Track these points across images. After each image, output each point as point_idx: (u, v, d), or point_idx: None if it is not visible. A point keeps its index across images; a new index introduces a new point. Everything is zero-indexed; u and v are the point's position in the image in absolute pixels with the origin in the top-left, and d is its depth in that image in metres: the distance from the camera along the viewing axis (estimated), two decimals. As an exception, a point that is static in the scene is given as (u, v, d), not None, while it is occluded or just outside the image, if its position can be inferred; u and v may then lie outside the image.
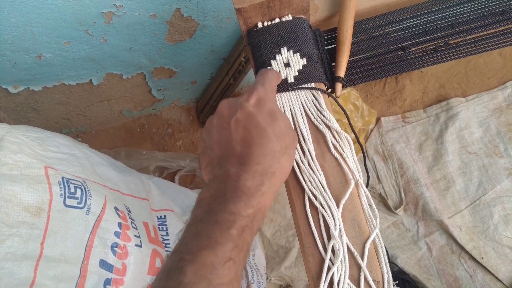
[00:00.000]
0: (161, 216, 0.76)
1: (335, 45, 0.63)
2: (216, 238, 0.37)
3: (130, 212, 0.67)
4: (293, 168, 0.54)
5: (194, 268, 0.35)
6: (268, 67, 0.60)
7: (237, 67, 1.07)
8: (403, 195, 1.14)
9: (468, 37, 0.61)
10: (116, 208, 0.65)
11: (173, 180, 1.20)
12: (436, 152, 1.17)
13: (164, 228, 0.75)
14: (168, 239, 0.74)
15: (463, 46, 0.60)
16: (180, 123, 1.29)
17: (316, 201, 0.52)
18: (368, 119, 1.20)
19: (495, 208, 1.08)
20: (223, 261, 0.36)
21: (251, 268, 0.91)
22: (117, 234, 0.60)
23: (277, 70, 0.59)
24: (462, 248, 1.06)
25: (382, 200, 1.15)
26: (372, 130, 1.23)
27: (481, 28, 0.61)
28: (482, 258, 1.05)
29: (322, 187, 0.52)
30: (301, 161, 0.54)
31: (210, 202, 0.40)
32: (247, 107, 0.46)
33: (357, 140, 0.60)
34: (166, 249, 0.72)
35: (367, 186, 0.72)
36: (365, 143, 1.22)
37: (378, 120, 1.24)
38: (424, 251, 1.08)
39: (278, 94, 0.58)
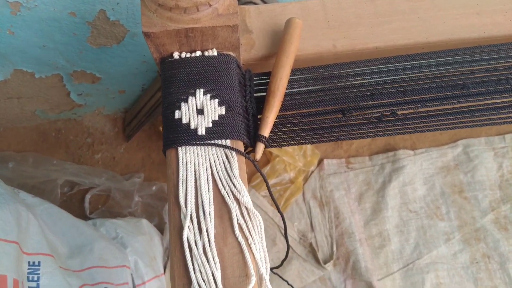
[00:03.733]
0: (34, 262, 0.62)
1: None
2: None
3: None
4: (182, 250, 0.42)
5: None
6: (176, 111, 0.47)
7: (171, 84, 0.94)
8: (334, 248, 1.05)
9: (420, 110, 0.51)
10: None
11: (83, 199, 1.04)
12: (376, 205, 1.09)
13: (35, 279, 0.61)
14: (39, 294, 0.60)
15: (413, 120, 0.51)
16: (103, 133, 1.13)
17: (202, 301, 0.40)
18: (310, 160, 1.10)
19: (428, 275, 1.02)
20: None
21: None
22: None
23: (187, 116, 0.47)
24: (388, 314, 0.99)
25: (312, 251, 1.05)
26: (312, 172, 1.14)
27: (436, 101, 0.51)
28: (408, 327, 0.97)
29: (215, 282, 0.40)
30: (195, 241, 0.42)
31: None
32: None
33: (271, 198, 0.49)
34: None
35: (285, 259, 0.62)
36: (303, 184, 1.12)
37: (320, 161, 1.15)
38: (348, 312, 1.00)
39: (183, 147, 0.46)
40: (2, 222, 0.59)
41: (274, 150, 1.06)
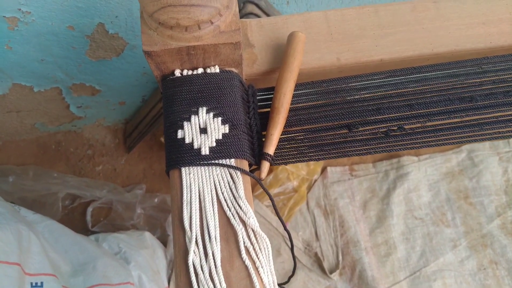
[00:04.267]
0: (36, 283, 0.61)
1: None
2: None
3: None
4: (188, 276, 0.41)
5: None
6: (179, 131, 0.46)
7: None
8: (340, 258, 1.04)
9: (428, 124, 0.50)
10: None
11: (85, 212, 1.03)
12: (381, 213, 1.08)
13: (38, 300, 0.60)
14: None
15: (421, 135, 0.50)
16: (104, 145, 1.12)
17: (211, 327, 0.39)
18: (313, 168, 1.09)
19: (435, 283, 1.00)
20: None
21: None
22: None
23: (190, 135, 0.46)
24: (395, 323, 0.97)
25: (317, 261, 1.04)
26: (316, 180, 1.13)
27: (444, 114, 0.50)
28: (416, 336, 0.96)
29: (222, 308, 0.39)
30: (201, 266, 0.41)
31: None
32: None
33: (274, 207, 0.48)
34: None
35: (292, 275, 0.61)
36: (307, 193, 1.11)
37: (323, 169, 1.13)
38: (356, 322, 0.99)
39: (186, 168, 0.45)
40: (3, 244, 0.58)
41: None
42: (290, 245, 0.55)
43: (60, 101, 0.97)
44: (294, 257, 0.55)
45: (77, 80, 0.91)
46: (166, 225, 0.98)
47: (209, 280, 0.40)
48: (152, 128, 1.02)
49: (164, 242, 0.99)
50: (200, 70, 0.49)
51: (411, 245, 1.05)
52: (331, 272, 1.02)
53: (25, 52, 0.80)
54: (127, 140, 1.12)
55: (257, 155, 0.48)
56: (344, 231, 1.06)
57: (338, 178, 1.12)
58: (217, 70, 0.49)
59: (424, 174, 1.11)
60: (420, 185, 1.10)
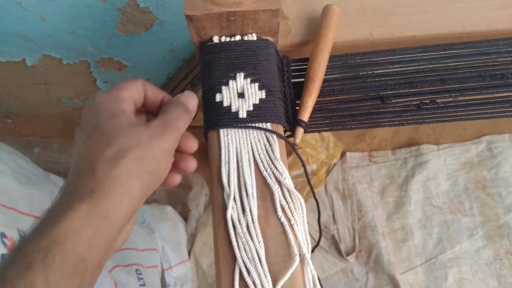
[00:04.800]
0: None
1: (303, 79, 0.52)
2: None
3: (24, 238, 0.54)
4: (226, 229, 0.42)
5: None
6: (217, 94, 0.48)
7: (197, 73, 0.94)
8: (357, 241, 1.05)
9: (460, 99, 0.51)
10: (2, 235, 0.52)
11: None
12: (399, 200, 1.09)
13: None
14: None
15: (452, 109, 0.51)
16: (127, 122, 1.14)
17: (248, 277, 0.40)
18: (333, 152, 1.10)
19: (451, 270, 1.01)
20: None
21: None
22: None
23: (228, 99, 0.47)
24: (410, 308, 0.98)
25: (334, 243, 1.05)
26: (335, 165, 1.14)
27: (476, 90, 0.51)
28: (429, 321, 0.97)
29: (259, 260, 0.41)
30: (239, 220, 0.42)
31: None
32: None
33: (308, 182, 0.49)
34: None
35: (317, 244, 0.62)
36: (326, 177, 1.12)
37: (343, 154, 1.14)
38: (370, 305, 1.00)
39: (224, 129, 0.47)
40: (39, 201, 0.60)
41: (300, 143, 1.06)
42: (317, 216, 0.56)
43: (87, 74, 0.99)
44: (319, 225, 0.56)
45: (105, 54, 0.93)
46: (188, 201, 1.00)
47: (246, 233, 0.42)
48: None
49: (184, 217, 1.01)
50: (238, 37, 0.50)
51: (428, 232, 1.05)
52: (347, 255, 1.03)
53: (57, 23, 0.81)
54: (150, 118, 1.13)
55: (291, 122, 0.50)
56: (361, 215, 1.08)
57: (357, 163, 1.13)
58: (255, 38, 0.50)
59: (443, 163, 1.12)
60: (439, 173, 1.10)
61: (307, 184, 1.07)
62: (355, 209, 1.08)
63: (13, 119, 1.16)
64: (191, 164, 0.44)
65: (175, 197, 1.04)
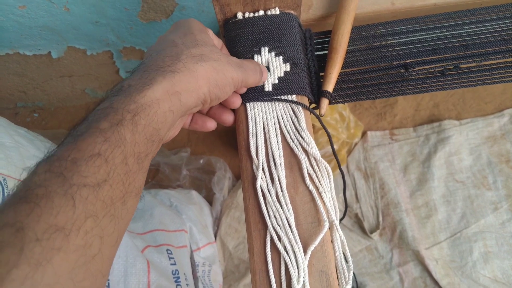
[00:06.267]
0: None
1: (326, 52, 0.53)
2: (79, 131, 0.31)
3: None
4: (256, 198, 0.44)
5: (47, 165, 0.28)
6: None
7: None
8: (380, 219, 1.05)
9: (483, 63, 0.51)
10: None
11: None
12: (421, 176, 1.09)
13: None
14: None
15: (476, 73, 0.51)
16: (150, 111, 1.16)
17: (279, 243, 0.42)
18: (354, 132, 1.10)
19: (476, 244, 1.01)
20: (87, 155, 0.29)
21: (204, 286, 0.82)
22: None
23: (254, 73, 0.48)
24: (436, 283, 0.98)
25: (357, 221, 1.06)
26: (356, 144, 1.14)
27: (499, 54, 0.51)
28: (456, 295, 0.97)
29: (289, 226, 0.42)
30: (268, 190, 0.44)
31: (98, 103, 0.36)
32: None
33: (335, 157, 0.50)
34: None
35: (343, 216, 0.63)
36: (347, 156, 1.13)
37: (364, 133, 1.15)
38: (396, 281, 1.00)
39: (251, 103, 0.48)
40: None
41: (317, 123, 1.06)
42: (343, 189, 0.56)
43: (110, 65, 1.02)
44: (345, 197, 0.57)
45: (127, 43, 0.95)
46: (212, 185, 1.02)
47: (276, 201, 0.43)
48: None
49: (209, 201, 1.02)
50: (261, 12, 0.51)
51: (452, 207, 1.05)
52: (371, 233, 1.04)
53: (81, 13, 0.83)
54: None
55: (316, 94, 0.51)
56: (384, 193, 1.08)
57: (378, 142, 1.13)
58: (277, 12, 0.51)
59: (465, 138, 1.11)
60: (462, 148, 1.09)
61: (329, 164, 1.07)
62: (378, 187, 1.08)
63: (40, 113, 1.19)
64: (230, 117, 0.48)
65: (199, 182, 1.06)
